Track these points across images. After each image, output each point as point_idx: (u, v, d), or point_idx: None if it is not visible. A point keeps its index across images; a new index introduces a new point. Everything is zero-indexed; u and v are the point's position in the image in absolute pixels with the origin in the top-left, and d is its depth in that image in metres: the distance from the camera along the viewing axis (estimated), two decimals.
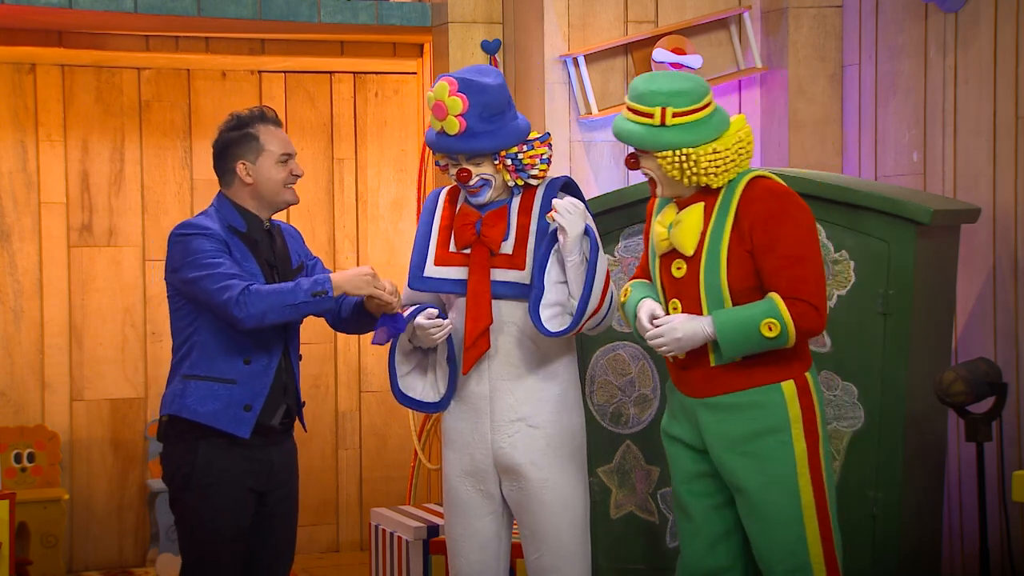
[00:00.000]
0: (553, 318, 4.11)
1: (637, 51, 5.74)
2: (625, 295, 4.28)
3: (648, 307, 4.16)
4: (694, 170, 4.04)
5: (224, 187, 4.29)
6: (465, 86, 4.11)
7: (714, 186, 4.07)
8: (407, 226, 7.28)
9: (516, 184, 4.20)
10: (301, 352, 4.36)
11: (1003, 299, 5.13)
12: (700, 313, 4.06)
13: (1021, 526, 5.02)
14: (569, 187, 4.27)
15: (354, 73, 7.35)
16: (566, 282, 4.13)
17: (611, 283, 4.16)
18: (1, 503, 5.40)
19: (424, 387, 4.30)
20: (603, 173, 5.67)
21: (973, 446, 4.87)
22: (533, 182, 4.21)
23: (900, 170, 5.55)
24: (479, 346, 4.17)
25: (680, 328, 4.03)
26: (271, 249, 4.29)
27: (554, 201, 4.11)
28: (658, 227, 4.18)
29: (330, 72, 7.32)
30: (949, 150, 5.33)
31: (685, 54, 5.72)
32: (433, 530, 5.59)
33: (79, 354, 6.99)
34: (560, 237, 4.10)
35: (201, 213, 4.27)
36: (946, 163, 5.34)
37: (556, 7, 5.67)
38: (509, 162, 4.17)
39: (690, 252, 4.08)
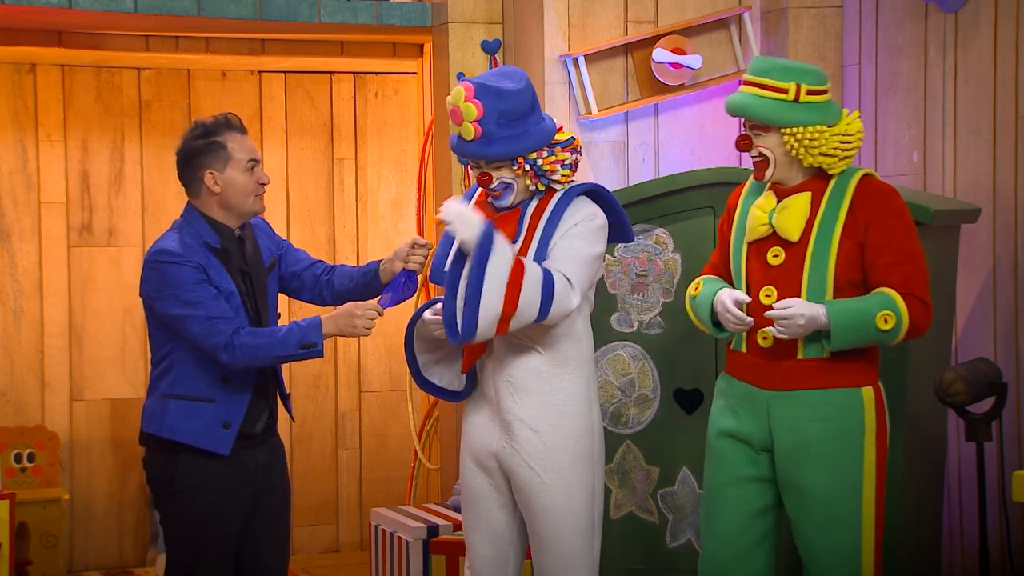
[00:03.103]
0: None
1: (637, 51, 5.74)
2: (696, 289, 4.27)
3: (731, 294, 4.14)
4: (822, 150, 4.05)
5: (191, 197, 4.23)
6: (481, 91, 4.06)
7: (833, 171, 4.09)
8: (407, 226, 7.28)
9: (539, 188, 4.17)
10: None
11: (1003, 299, 5.13)
12: None
13: (1021, 526, 5.02)
14: (595, 195, 4.19)
15: (354, 73, 7.35)
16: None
17: (532, 279, 3.98)
18: (1, 503, 5.40)
19: (451, 376, 4.31)
20: (603, 173, 5.67)
21: (973, 446, 4.87)
22: (556, 187, 4.17)
23: (900, 170, 5.55)
24: (476, 347, 4.17)
25: (805, 313, 3.99)
26: (243, 257, 4.23)
27: (441, 207, 4.05)
28: (756, 212, 4.16)
29: (330, 72, 7.32)
30: (949, 150, 5.33)
31: (685, 54, 5.72)
32: (433, 530, 5.58)
33: (79, 354, 6.99)
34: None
35: (173, 230, 4.21)
36: (946, 163, 5.34)
37: (556, 7, 5.67)
38: (528, 167, 4.13)
39: (796, 238, 4.08)
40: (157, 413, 4.17)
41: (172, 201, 7.12)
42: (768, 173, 4.13)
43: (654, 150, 5.77)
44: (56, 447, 6.82)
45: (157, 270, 4.11)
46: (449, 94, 4.15)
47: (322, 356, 4.17)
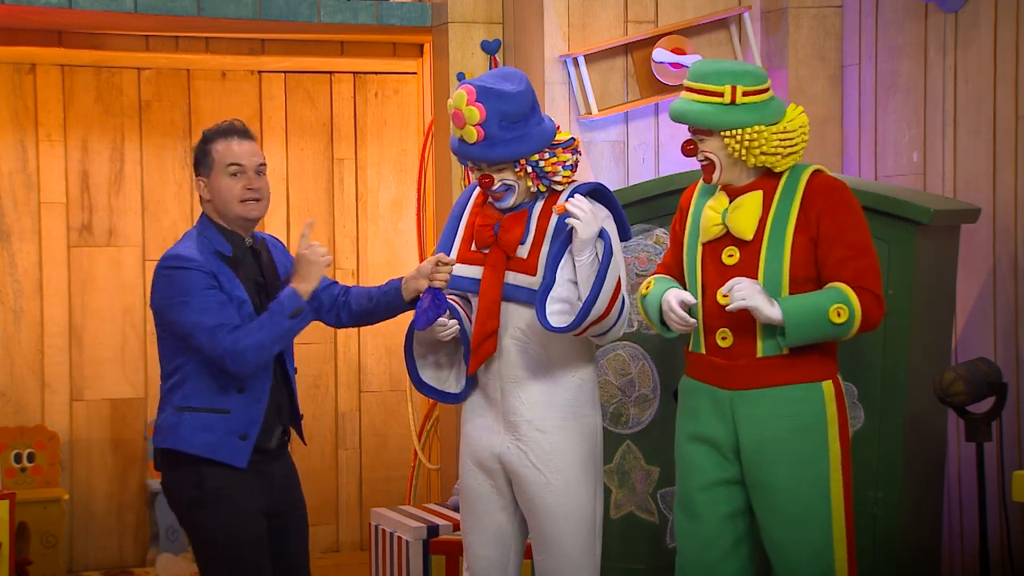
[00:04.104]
0: (558, 314, 4.08)
1: (637, 51, 5.74)
2: (647, 288, 4.27)
3: (677, 295, 4.15)
4: (763, 149, 4.06)
5: (201, 204, 4.21)
6: (483, 94, 4.07)
7: (778, 169, 4.09)
8: (407, 226, 7.28)
9: (540, 190, 4.18)
10: (300, 353, 4.34)
11: (1003, 299, 5.13)
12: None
13: (1021, 526, 5.02)
14: (597, 194, 4.21)
15: (354, 73, 7.35)
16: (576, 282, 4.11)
17: (624, 295, 4.09)
18: (1, 503, 5.40)
19: (448, 378, 4.30)
20: (603, 173, 5.67)
21: (973, 446, 4.87)
22: (557, 188, 4.19)
23: (900, 170, 5.55)
24: (484, 349, 4.16)
25: (749, 292, 3.99)
26: (258, 266, 4.19)
27: (570, 199, 4.08)
28: (709, 212, 4.16)
29: (330, 72, 7.32)
30: (949, 150, 5.33)
31: (685, 54, 5.72)
32: (433, 530, 5.58)
33: (79, 354, 6.99)
34: (573, 235, 4.08)
35: (185, 237, 4.18)
36: (946, 163, 5.34)
37: (556, 7, 5.67)
38: (530, 169, 4.14)
39: (750, 237, 4.09)
40: (172, 427, 4.09)
41: (172, 201, 7.12)
42: (715, 176, 4.15)
43: (654, 150, 5.77)
44: (56, 447, 6.82)
45: (168, 276, 4.07)
46: (450, 96, 4.15)
47: (316, 317, 4.18)
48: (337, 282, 4.41)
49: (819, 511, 4.07)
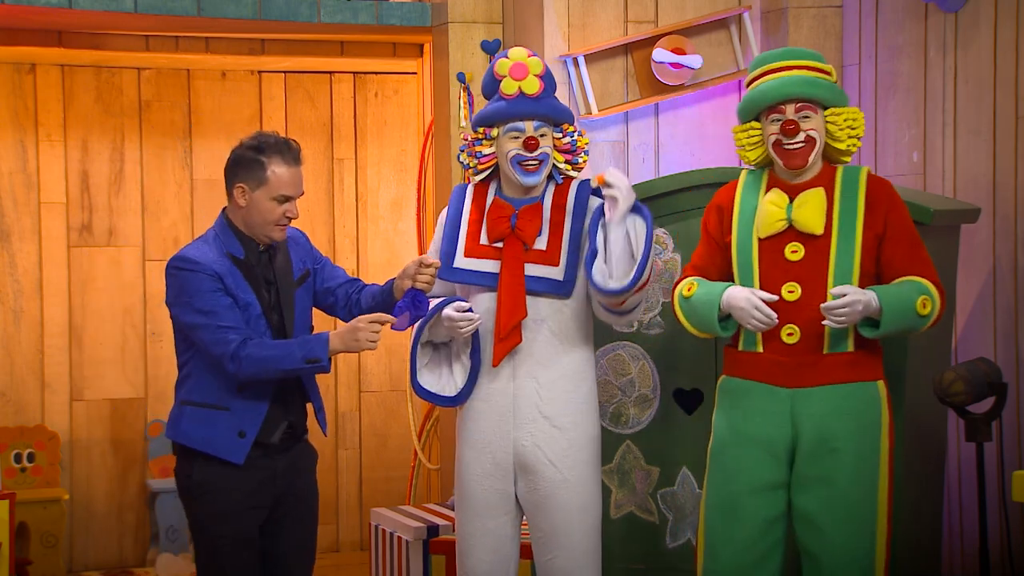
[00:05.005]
0: (601, 277, 4.12)
1: (637, 51, 5.74)
2: (690, 290, 4.24)
3: (758, 292, 4.11)
4: (858, 132, 4.17)
5: (228, 201, 4.24)
6: (536, 54, 4.23)
7: (848, 158, 4.18)
8: (407, 226, 7.28)
9: (561, 171, 4.23)
10: None
11: (1003, 299, 5.13)
12: (824, 296, 4.07)
13: (1021, 526, 5.02)
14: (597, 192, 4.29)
15: (354, 73, 7.35)
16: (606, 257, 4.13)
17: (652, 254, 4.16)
18: (1, 503, 5.40)
19: (440, 381, 4.30)
20: None
21: (973, 446, 4.87)
22: (573, 173, 4.25)
23: (900, 170, 5.55)
24: (511, 339, 4.16)
25: (861, 299, 4.01)
26: (270, 267, 4.23)
27: (606, 171, 4.13)
28: (772, 207, 4.16)
29: (330, 72, 7.32)
30: (949, 150, 5.33)
31: (685, 54, 5.72)
32: (433, 530, 5.58)
33: (79, 354, 6.99)
34: (608, 208, 4.11)
35: (200, 238, 4.23)
36: (946, 163, 5.34)
37: (556, 7, 5.67)
38: (567, 140, 4.22)
39: (820, 231, 4.10)
40: (176, 419, 4.22)
41: (172, 201, 7.12)
42: (812, 157, 4.15)
43: (654, 150, 5.77)
44: (56, 447, 6.82)
45: (175, 276, 4.15)
46: (503, 56, 4.25)
47: (328, 372, 4.20)
48: (357, 279, 4.47)
49: (868, 511, 4.11)
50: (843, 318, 4.00)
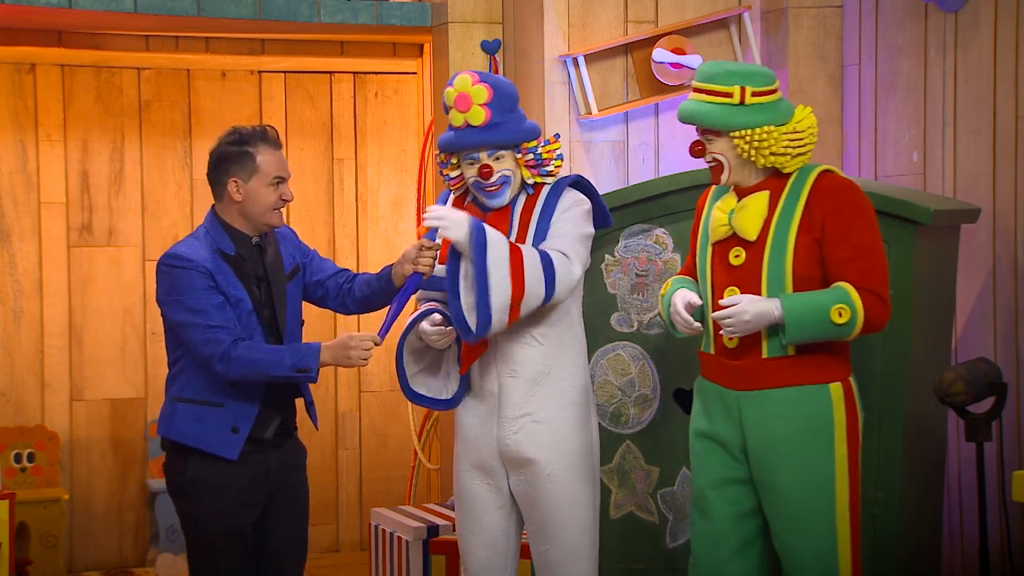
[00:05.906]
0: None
1: (637, 51, 5.74)
2: (665, 288, 4.32)
3: (684, 296, 4.17)
4: (772, 150, 4.06)
5: (216, 200, 4.26)
6: (484, 77, 4.12)
7: (787, 170, 4.10)
8: (407, 226, 7.28)
9: (531, 183, 4.20)
10: None
11: (1003, 299, 5.13)
12: None
13: (1021, 526, 5.02)
14: (578, 185, 4.26)
15: (354, 73, 7.35)
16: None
17: (537, 263, 4.03)
18: (1, 503, 5.40)
19: (436, 385, 4.31)
20: (603, 173, 5.67)
21: (973, 446, 4.87)
22: (548, 180, 4.21)
23: (900, 170, 5.55)
24: (475, 348, 4.17)
25: (749, 309, 4.00)
26: (261, 262, 4.25)
27: (425, 216, 4.07)
28: (717, 213, 4.18)
29: (330, 72, 7.32)
30: (949, 150, 5.33)
31: (685, 54, 5.72)
32: (433, 530, 5.58)
33: (79, 354, 6.99)
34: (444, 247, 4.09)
35: (191, 235, 4.25)
36: (946, 163, 5.34)
37: (556, 7, 5.67)
38: (531, 156, 4.16)
39: (753, 237, 4.09)
40: (168, 416, 4.23)
41: (172, 201, 7.12)
42: (724, 177, 4.16)
43: (654, 150, 5.77)
44: (56, 447, 6.82)
45: (166, 274, 4.16)
46: (448, 86, 4.16)
47: (315, 382, 4.20)
48: (348, 270, 4.48)
49: (823, 513, 4.07)
50: (730, 328, 4.02)
